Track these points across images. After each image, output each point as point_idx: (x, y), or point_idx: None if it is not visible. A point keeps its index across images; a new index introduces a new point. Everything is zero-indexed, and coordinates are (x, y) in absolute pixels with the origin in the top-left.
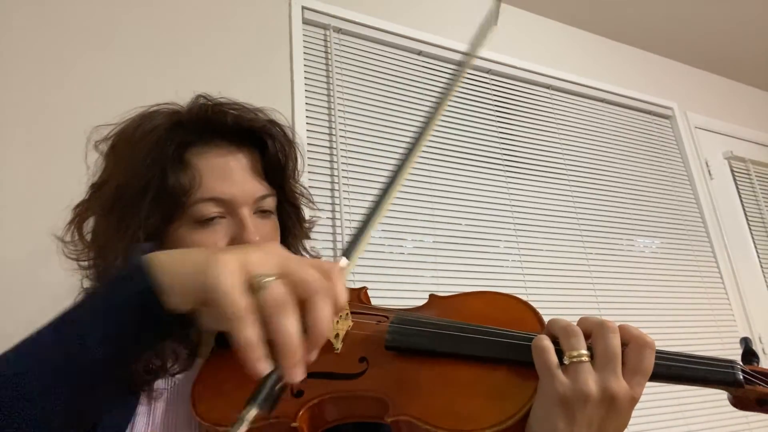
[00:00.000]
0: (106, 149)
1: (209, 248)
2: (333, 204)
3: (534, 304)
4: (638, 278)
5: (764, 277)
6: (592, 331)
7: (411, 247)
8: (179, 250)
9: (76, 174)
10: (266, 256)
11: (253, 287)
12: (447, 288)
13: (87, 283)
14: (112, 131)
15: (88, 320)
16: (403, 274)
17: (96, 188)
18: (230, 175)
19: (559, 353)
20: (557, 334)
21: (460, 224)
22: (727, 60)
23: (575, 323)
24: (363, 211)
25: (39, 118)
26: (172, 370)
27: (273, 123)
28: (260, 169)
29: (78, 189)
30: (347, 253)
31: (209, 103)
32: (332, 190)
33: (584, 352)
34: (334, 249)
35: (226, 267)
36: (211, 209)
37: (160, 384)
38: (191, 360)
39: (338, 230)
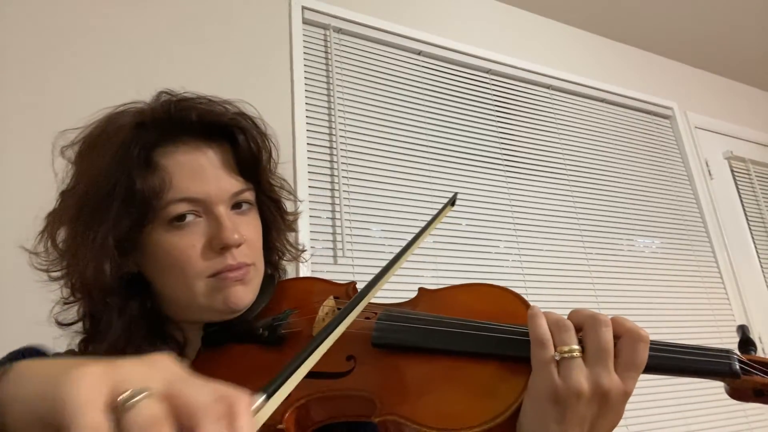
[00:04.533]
0: (74, 155)
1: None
2: (333, 204)
3: (534, 304)
4: (638, 278)
5: (764, 277)
6: (584, 324)
7: None
8: (50, 361)
9: (45, 182)
10: (148, 370)
11: (118, 407)
12: None
13: (66, 293)
14: (78, 135)
15: None
16: (404, 274)
17: (65, 195)
18: (201, 173)
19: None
20: (549, 328)
21: (461, 224)
22: (727, 60)
23: (566, 316)
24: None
25: (34, 118)
26: None
27: (242, 115)
28: (233, 163)
29: (46, 197)
30: (269, 390)
31: (173, 99)
32: (332, 190)
33: (575, 347)
34: (333, 249)
35: (83, 378)
36: (185, 210)
37: None
38: None
39: (338, 230)
